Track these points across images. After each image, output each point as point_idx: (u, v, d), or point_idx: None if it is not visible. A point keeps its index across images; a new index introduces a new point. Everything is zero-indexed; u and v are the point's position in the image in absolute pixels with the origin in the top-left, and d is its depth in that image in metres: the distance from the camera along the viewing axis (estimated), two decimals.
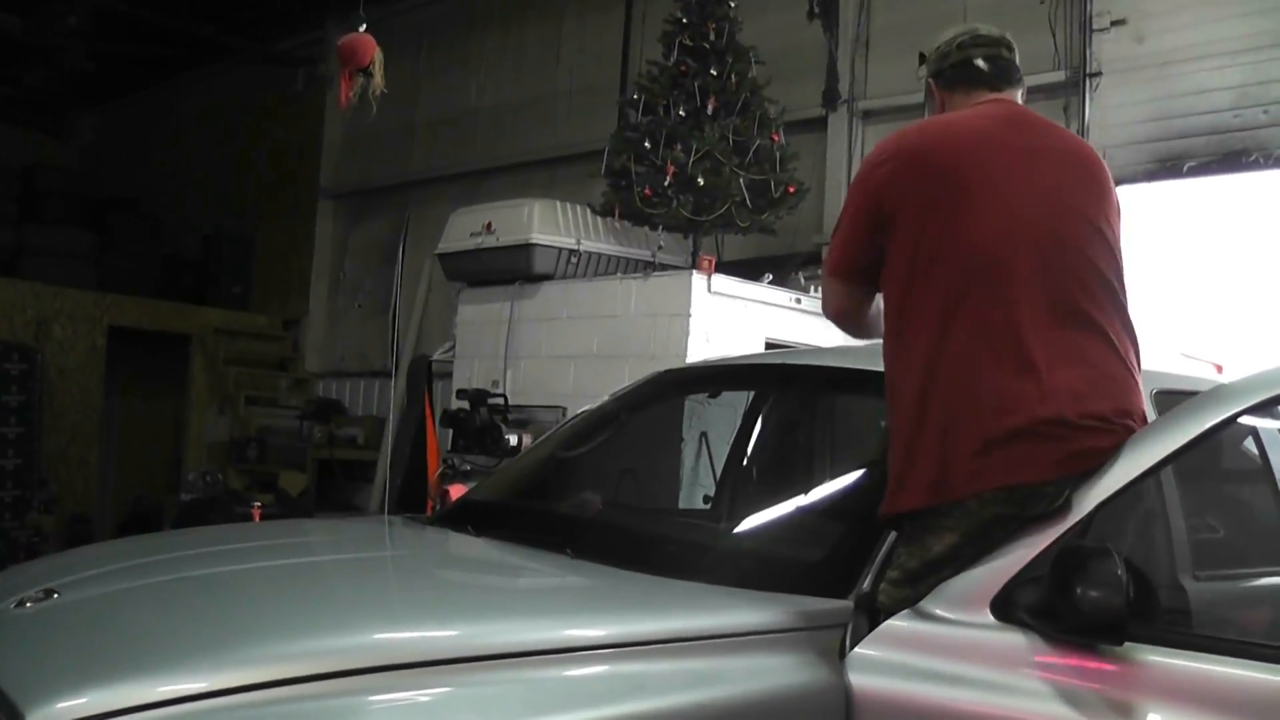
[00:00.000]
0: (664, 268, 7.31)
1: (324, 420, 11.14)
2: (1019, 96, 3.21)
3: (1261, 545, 3.95)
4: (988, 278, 2.78)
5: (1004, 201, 2.84)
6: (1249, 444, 3.88)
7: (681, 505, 5.65)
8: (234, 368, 12.48)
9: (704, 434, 5.70)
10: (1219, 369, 4.47)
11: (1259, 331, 6.30)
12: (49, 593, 2.71)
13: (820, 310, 3.35)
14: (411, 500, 7.79)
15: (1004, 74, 3.18)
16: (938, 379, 2.77)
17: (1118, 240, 3.01)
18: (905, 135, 3.04)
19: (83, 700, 2.01)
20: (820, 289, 3.16)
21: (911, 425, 2.80)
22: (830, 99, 8.48)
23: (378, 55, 5.76)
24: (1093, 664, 2.42)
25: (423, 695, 2.21)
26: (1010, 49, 3.22)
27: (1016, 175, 2.89)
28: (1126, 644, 2.38)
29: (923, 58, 3.34)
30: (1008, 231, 2.81)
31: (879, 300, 3.08)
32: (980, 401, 2.72)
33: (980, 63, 3.17)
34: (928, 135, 3.03)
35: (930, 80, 3.29)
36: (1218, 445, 3.49)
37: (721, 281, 6.77)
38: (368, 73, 5.80)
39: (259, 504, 8.86)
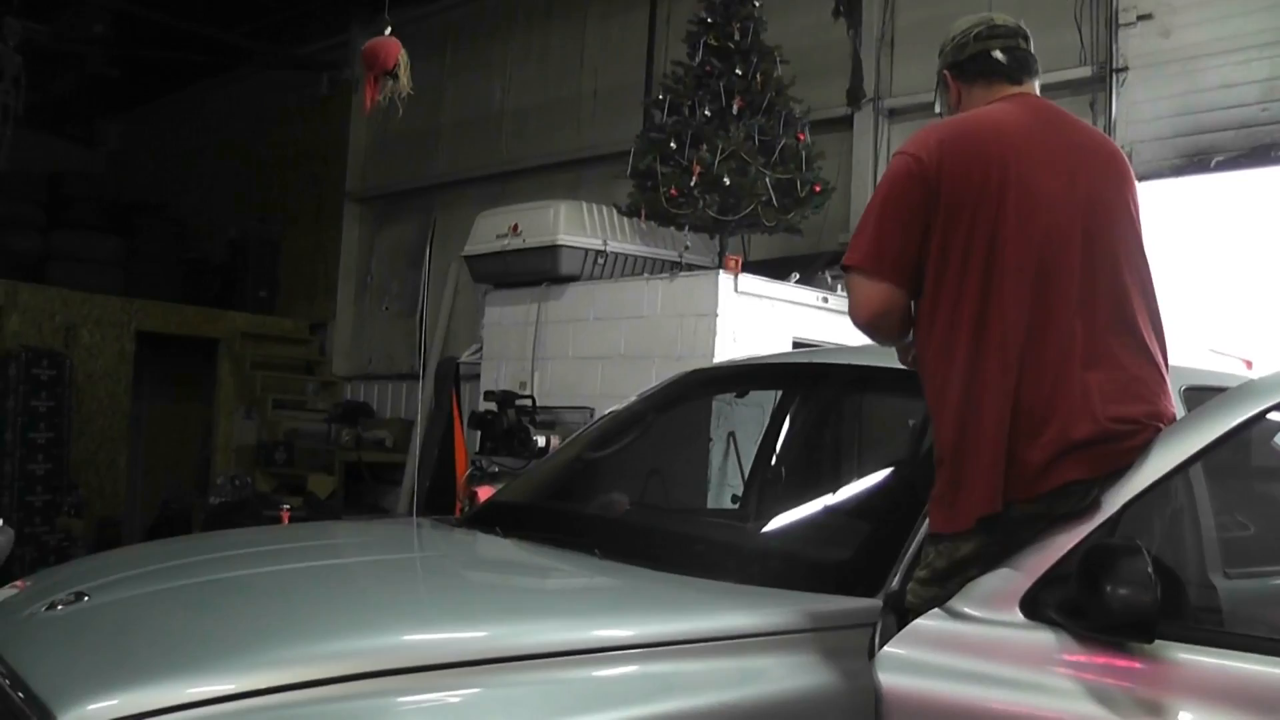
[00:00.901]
0: (690, 268, 7.30)
1: (351, 423, 11.18)
2: (1036, 88, 3.15)
3: None
4: (1030, 283, 2.75)
5: (1045, 202, 2.80)
6: (1278, 439, 3.85)
7: (709, 505, 5.64)
8: (261, 371, 12.52)
9: (731, 434, 5.70)
10: (1249, 365, 4.44)
11: None
12: (79, 595, 2.73)
13: (848, 314, 3.03)
14: (439, 502, 7.80)
15: (1023, 65, 3.12)
16: (976, 390, 2.72)
17: (1141, 229, 2.99)
18: (939, 131, 2.95)
19: (113, 702, 2.02)
20: (848, 291, 2.91)
21: (958, 440, 2.75)
22: (855, 97, 8.46)
23: (403, 57, 5.77)
24: (1123, 662, 2.41)
25: (452, 696, 2.22)
26: (1027, 39, 3.15)
27: (1056, 175, 2.85)
28: (1156, 642, 2.36)
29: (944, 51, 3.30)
30: (1048, 233, 2.78)
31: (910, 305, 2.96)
32: (1021, 415, 2.69)
33: (999, 54, 3.10)
34: (965, 131, 2.93)
35: (946, 72, 3.21)
36: (1247, 441, 3.46)
37: (748, 281, 6.76)
38: (393, 75, 5.81)
39: (288, 507, 8.90)
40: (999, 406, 2.70)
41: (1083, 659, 2.45)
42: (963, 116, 3.07)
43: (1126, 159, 3.13)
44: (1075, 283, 2.77)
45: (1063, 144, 2.95)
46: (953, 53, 3.18)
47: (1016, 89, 3.09)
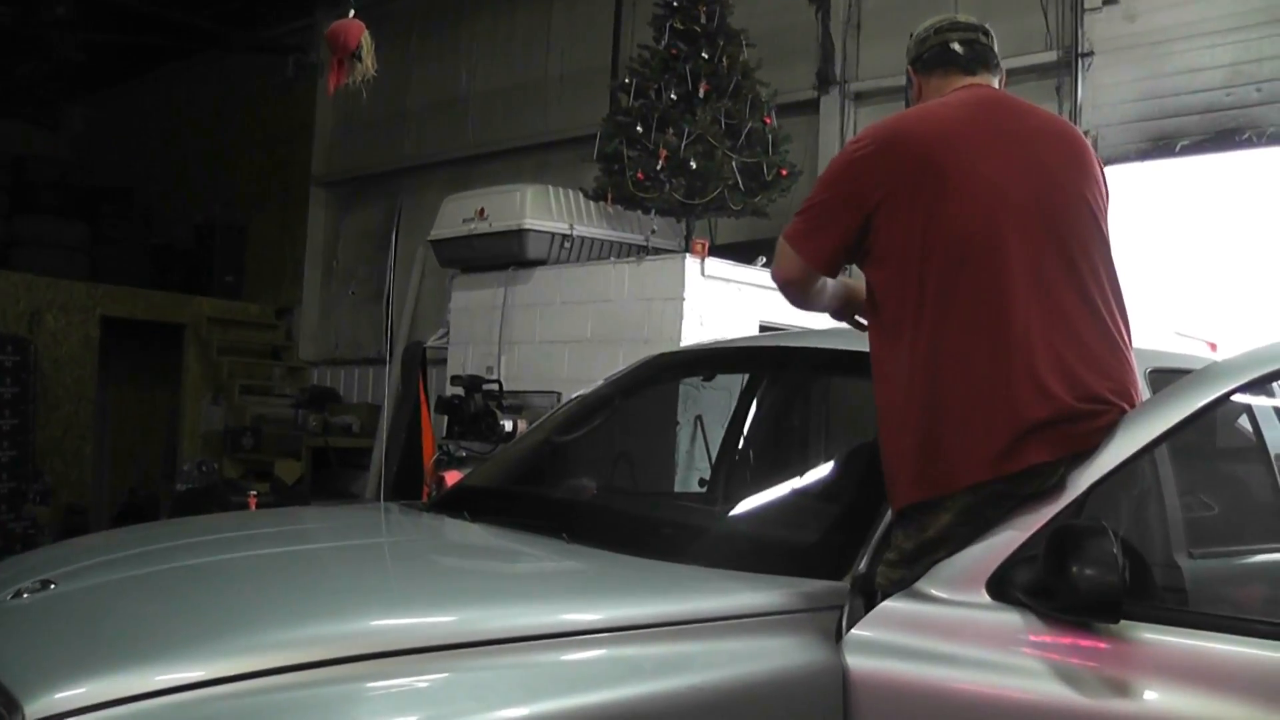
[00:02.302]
0: (657, 252, 7.30)
1: (319, 408, 11.14)
2: (996, 83, 3.22)
3: (1256, 522, 3.96)
4: (978, 263, 2.78)
5: (986, 183, 2.83)
6: (1243, 421, 3.88)
7: (676, 489, 5.65)
8: (228, 357, 12.46)
9: (698, 417, 5.70)
10: (1213, 347, 4.47)
11: (1253, 309, 6.30)
12: (46, 584, 2.71)
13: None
14: (407, 487, 7.78)
15: (980, 59, 3.19)
16: (931, 371, 2.76)
17: (1104, 214, 3.02)
18: (884, 124, 3.05)
19: (81, 690, 2.01)
20: (776, 252, 3.13)
21: (907, 418, 2.79)
22: (824, 80, 8.46)
23: (365, 38, 5.72)
24: (1088, 642, 2.43)
25: (421, 681, 2.21)
26: (988, 35, 3.23)
27: (996, 156, 2.89)
28: (1122, 622, 2.38)
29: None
30: (992, 213, 2.81)
31: (827, 280, 3.16)
32: (977, 392, 2.72)
33: (956, 47, 3.19)
34: (903, 124, 3.02)
35: (909, 67, 3.31)
36: (1211, 423, 3.49)
37: (715, 265, 6.76)
38: (356, 56, 5.76)
39: (255, 493, 8.86)
40: (942, 387, 2.75)
41: (1049, 639, 2.46)
42: (910, 109, 3.19)
43: (1088, 143, 3.17)
44: (1031, 262, 2.80)
45: (1015, 129, 3.00)
46: (915, 48, 3.29)
47: (971, 79, 3.16)
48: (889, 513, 2.86)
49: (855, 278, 3.25)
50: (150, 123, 15.00)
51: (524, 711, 2.21)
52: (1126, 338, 2.91)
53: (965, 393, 2.73)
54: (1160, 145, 6.92)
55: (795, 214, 3.10)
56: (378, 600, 2.67)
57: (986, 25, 3.26)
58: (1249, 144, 6.59)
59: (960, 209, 2.80)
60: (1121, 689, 2.40)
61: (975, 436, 2.70)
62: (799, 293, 3.18)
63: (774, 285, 3.20)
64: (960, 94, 3.09)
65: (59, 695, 2.00)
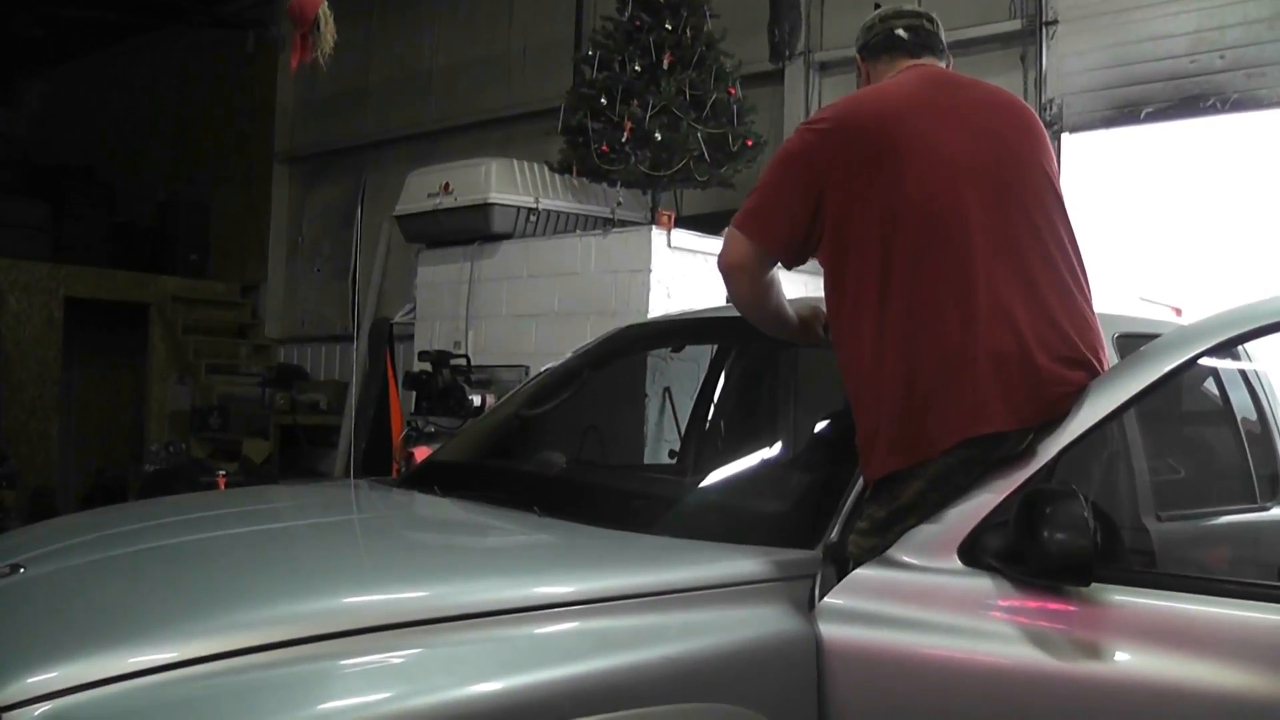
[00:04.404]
0: (623, 224, 7.28)
1: (286, 386, 11.07)
2: (939, 64, 3.25)
3: (1221, 484, 4.00)
4: (943, 234, 2.79)
5: (940, 157, 2.85)
6: (1209, 385, 3.92)
7: (647, 460, 5.66)
8: (193, 336, 12.34)
9: (667, 389, 5.71)
10: (1178, 312, 4.50)
11: (1217, 275, 6.34)
12: (14, 568, 2.69)
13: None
14: (376, 464, 7.77)
15: (925, 43, 3.24)
16: (903, 343, 2.76)
17: (1058, 181, 3.04)
18: (837, 105, 3.09)
19: (52, 674, 1.99)
20: (724, 239, 3.07)
21: (881, 391, 2.80)
22: (776, 54, 8.43)
23: (324, 9, 5.65)
24: (1059, 606, 2.45)
25: (394, 657, 2.20)
26: (933, 22, 3.28)
27: (950, 129, 2.91)
28: (1093, 585, 2.40)
29: (878, 8, 3.36)
30: (952, 184, 2.83)
31: (777, 279, 3.13)
32: (949, 362, 2.73)
33: (901, 33, 3.23)
34: (857, 103, 3.06)
35: (857, 55, 3.35)
36: (1179, 387, 3.52)
37: (681, 236, 6.76)
38: (315, 27, 5.70)
39: (223, 472, 8.82)
40: (909, 356, 2.76)
41: (1020, 604, 2.48)
42: (859, 91, 3.23)
43: (1035, 114, 3.22)
44: (995, 230, 2.82)
45: (962, 102, 3.03)
46: (862, 36, 3.34)
47: (915, 62, 3.19)
48: (860, 481, 2.87)
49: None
50: (111, 99, 14.82)
51: (498, 686, 2.22)
52: (1089, 302, 2.93)
53: (938, 363, 2.74)
54: (1125, 113, 6.94)
55: (742, 205, 3.06)
56: (350, 578, 2.67)
57: (932, 13, 3.30)
58: (1213, 110, 6.61)
59: (920, 182, 2.81)
60: (1092, 651, 2.42)
61: (948, 404, 2.71)
62: (747, 281, 3.10)
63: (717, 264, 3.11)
64: (908, 74, 3.13)
65: (30, 680, 1.98)
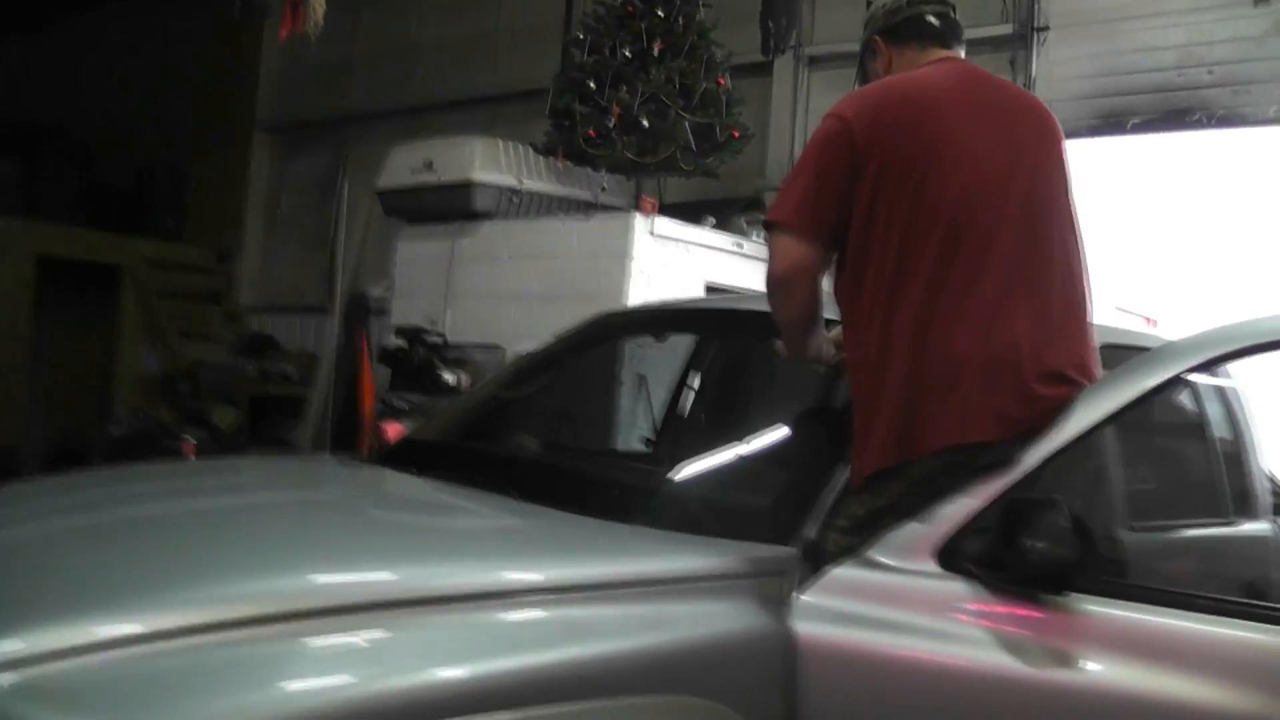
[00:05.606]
0: (606, 209, 7.26)
1: (257, 355, 11.03)
2: (962, 55, 3.21)
3: (1193, 498, 4.02)
4: (960, 239, 2.77)
5: (970, 166, 2.82)
6: (1186, 399, 3.94)
7: (625, 448, 5.64)
8: (166, 301, 12.27)
9: (643, 377, 5.69)
10: (1151, 322, 4.53)
11: (1192, 287, 6.38)
12: None
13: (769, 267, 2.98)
14: (344, 437, 7.74)
15: (953, 31, 3.18)
16: (904, 344, 2.76)
17: (1072, 189, 3.03)
18: (870, 93, 2.98)
19: (19, 645, 1.96)
20: (769, 247, 2.90)
21: (879, 388, 2.79)
22: (765, 46, 8.41)
23: None
24: (1033, 613, 2.45)
25: (362, 639, 2.18)
26: (954, 9, 3.22)
27: (981, 136, 2.88)
28: (1067, 593, 2.41)
29: (869, 5, 3.32)
30: (981, 190, 2.81)
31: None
32: (943, 365, 2.73)
33: (931, 19, 3.16)
34: (896, 93, 2.94)
35: (877, 37, 3.23)
36: (1160, 401, 3.53)
37: (663, 224, 6.75)
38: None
39: (192, 440, 8.77)
40: (914, 358, 2.75)
41: (994, 609, 2.48)
42: (894, 79, 3.09)
43: (1056, 120, 3.17)
44: (1007, 246, 2.80)
45: (994, 103, 3.00)
46: (884, 18, 3.22)
47: (947, 53, 3.14)
48: (839, 478, 2.87)
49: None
50: (93, 60, 14.68)
51: (465, 671, 2.20)
52: (1090, 317, 2.94)
53: (937, 369, 2.73)
54: (1111, 122, 6.97)
55: (779, 193, 2.94)
56: (321, 556, 2.63)
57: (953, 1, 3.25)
58: (1199, 125, 6.65)
59: (946, 182, 2.79)
60: (1062, 659, 2.43)
61: (939, 409, 2.71)
62: (809, 286, 2.93)
63: (769, 276, 2.94)
64: (942, 66, 3.07)
65: None
